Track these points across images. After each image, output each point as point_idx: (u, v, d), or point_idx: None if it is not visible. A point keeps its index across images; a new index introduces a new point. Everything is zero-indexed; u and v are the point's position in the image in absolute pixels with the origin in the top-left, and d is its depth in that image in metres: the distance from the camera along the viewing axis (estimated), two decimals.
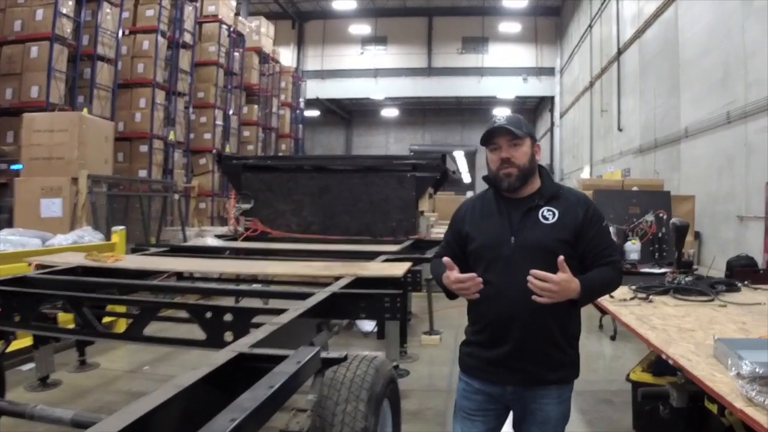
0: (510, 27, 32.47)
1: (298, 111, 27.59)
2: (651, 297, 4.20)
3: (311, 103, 31.97)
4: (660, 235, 8.15)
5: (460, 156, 37.61)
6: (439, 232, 11.10)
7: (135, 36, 15.91)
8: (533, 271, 2.41)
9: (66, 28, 12.86)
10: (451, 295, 2.70)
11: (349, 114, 38.12)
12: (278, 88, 24.86)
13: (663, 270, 6.58)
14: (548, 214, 2.62)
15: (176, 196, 10.10)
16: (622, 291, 4.37)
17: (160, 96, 15.86)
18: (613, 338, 8.00)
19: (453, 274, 2.55)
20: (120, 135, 15.18)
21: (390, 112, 37.37)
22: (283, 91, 25.59)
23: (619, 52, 20.13)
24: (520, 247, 2.57)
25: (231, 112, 20.07)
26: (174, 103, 16.51)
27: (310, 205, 6.95)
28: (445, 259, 2.59)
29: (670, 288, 4.36)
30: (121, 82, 15.28)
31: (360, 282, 3.66)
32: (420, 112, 37.31)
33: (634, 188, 9.46)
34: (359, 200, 6.92)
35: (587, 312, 3.23)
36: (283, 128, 25.43)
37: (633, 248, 7.76)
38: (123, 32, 15.29)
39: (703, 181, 12.68)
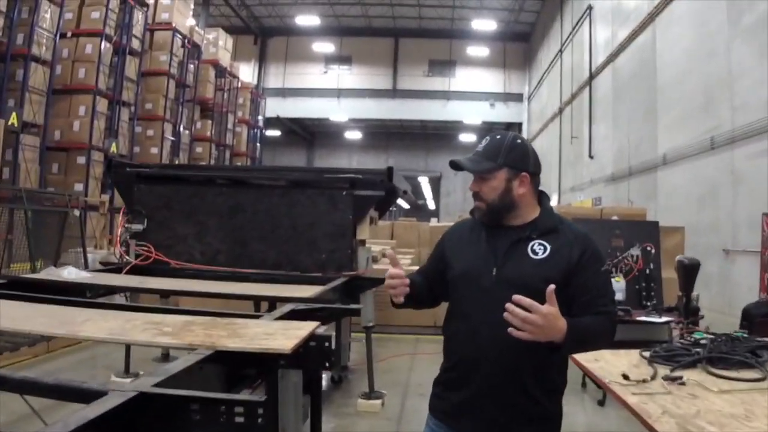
0: (478, 51, 31.89)
1: (256, 129, 26.44)
2: (679, 373, 2.86)
3: (273, 123, 30.92)
4: (648, 271, 7.16)
5: (424, 182, 36.79)
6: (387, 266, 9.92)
7: (78, 39, 14.70)
8: (516, 297, 2.02)
9: None
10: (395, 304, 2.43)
11: (311, 135, 37.05)
12: (235, 103, 23.70)
13: (665, 319, 5.51)
14: (538, 249, 2.32)
15: (76, 212, 8.69)
16: (631, 359, 3.15)
17: (102, 104, 14.64)
18: (601, 404, 6.09)
19: (393, 269, 2.35)
20: (56, 144, 13.98)
21: (353, 135, 36.37)
22: (240, 107, 24.45)
23: (591, 77, 19.46)
24: (501, 281, 2.26)
25: (182, 126, 18.86)
26: (117, 113, 15.26)
27: (218, 229, 5.36)
28: (388, 252, 2.49)
29: (702, 357, 3.02)
30: (60, 88, 14.10)
31: (221, 359, 2.16)
32: (384, 135, 36.38)
33: (614, 217, 8.45)
34: (279, 224, 5.35)
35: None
36: (239, 146, 24.22)
37: (617, 287, 6.60)
38: (65, 34, 14.17)
39: (683, 211, 11.82)
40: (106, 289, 4.28)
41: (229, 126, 23.05)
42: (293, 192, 5.41)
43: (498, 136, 2.44)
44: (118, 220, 5.59)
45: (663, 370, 2.95)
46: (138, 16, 16.34)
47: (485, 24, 29.32)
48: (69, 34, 14.53)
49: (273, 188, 5.49)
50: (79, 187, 13.68)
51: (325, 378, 6.32)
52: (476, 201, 2.41)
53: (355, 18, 32.23)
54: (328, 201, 5.32)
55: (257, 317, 2.86)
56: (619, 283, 6.70)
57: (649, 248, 7.29)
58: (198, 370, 1.98)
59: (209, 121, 21.27)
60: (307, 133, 36.54)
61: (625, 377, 2.82)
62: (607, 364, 3.06)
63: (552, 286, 2.04)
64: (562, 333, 2.08)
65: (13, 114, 11.62)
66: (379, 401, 5.97)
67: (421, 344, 8.42)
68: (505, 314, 2.02)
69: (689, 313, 4.32)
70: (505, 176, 2.36)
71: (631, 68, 15.88)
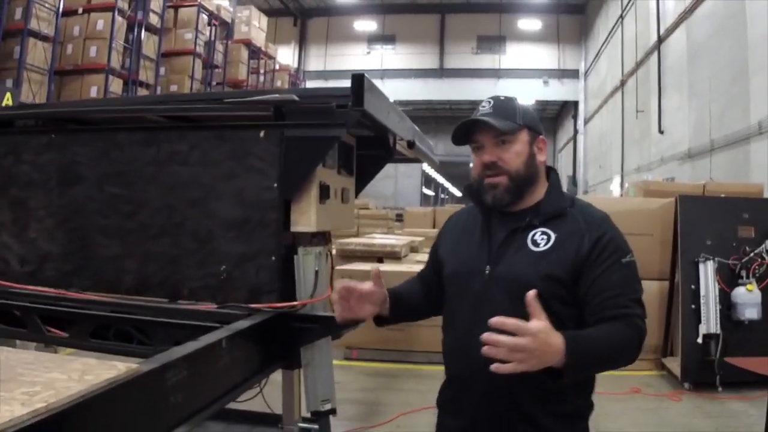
0: (530, 25, 29.86)
1: None
2: None
3: None
4: None
5: None
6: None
7: (89, 15, 13.50)
8: (495, 321, 1.50)
9: None
10: (378, 320, 1.98)
11: None
12: (272, 86, 22.34)
13: None
14: (541, 239, 1.81)
15: None
16: None
17: (116, 85, 13.45)
18: None
19: (349, 283, 1.86)
20: None
21: None
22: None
23: (660, 40, 17.33)
24: (495, 281, 1.81)
25: None
26: (134, 95, 14.01)
27: (44, 214, 2.64)
28: (374, 267, 1.96)
29: None
30: (71, 68, 13.04)
31: None
32: (432, 119, 34.60)
33: (722, 195, 6.46)
34: (143, 203, 2.48)
35: None
36: None
37: (749, 299, 4.57)
38: (75, 11, 13.20)
39: None
40: None
41: None
42: (167, 137, 2.52)
43: (502, 98, 1.94)
44: None
45: None
46: None
47: None
48: (80, 11, 13.40)
49: (131, 132, 2.58)
50: None
51: None
52: (491, 177, 1.86)
53: None
54: (233, 152, 2.41)
55: None
56: (751, 293, 4.79)
57: None
58: None
59: None
60: None
61: None
62: None
63: (533, 292, 1.56)
64: (560, 353, 1.54)
65: (7, 94, 10.36)
66: None
67: None
68: (484, 348, 1.51)
69: None
70: (527, 138, 1.88)
71: (710, 25, 13.78)
